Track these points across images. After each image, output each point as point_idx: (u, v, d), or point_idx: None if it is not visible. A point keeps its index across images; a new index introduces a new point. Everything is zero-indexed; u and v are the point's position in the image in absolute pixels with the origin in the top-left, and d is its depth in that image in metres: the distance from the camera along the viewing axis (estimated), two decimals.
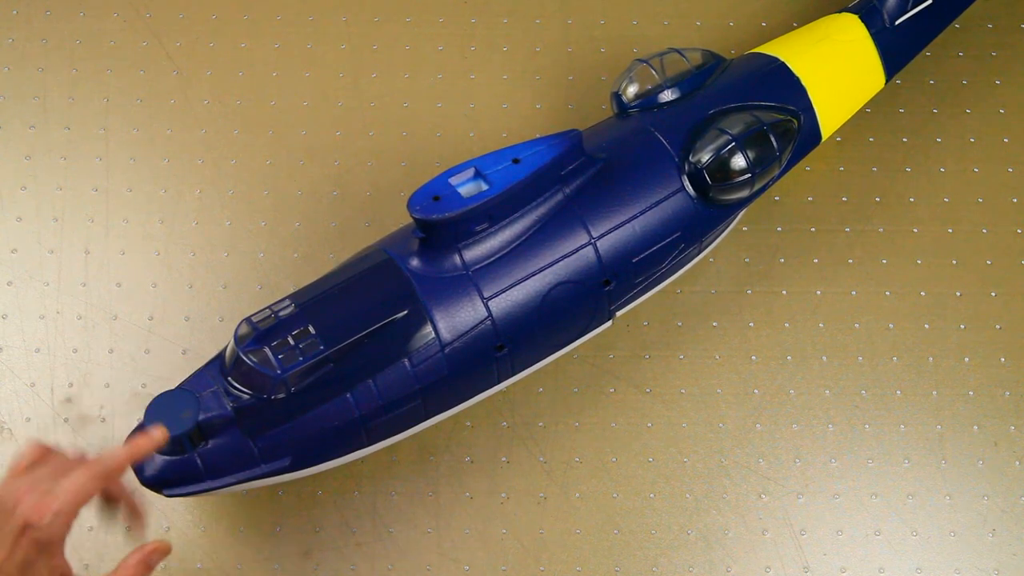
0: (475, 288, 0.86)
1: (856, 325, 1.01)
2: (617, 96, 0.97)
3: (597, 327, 0.94)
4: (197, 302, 1.01)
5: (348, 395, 0.83)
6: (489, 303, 0.86)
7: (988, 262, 1.04)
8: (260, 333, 0.80)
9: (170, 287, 1.02)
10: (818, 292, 1.02)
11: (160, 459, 0.81)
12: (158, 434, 0.78)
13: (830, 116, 1.00)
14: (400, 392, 0.85)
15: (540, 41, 1.12)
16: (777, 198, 1.06)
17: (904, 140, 1.08)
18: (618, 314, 0.94)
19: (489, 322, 0.86)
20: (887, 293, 1.03)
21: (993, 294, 1.03)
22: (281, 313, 0.82)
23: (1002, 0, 1.13)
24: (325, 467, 0.87)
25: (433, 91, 1.10)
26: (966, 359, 1.00)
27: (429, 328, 0.85)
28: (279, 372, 0.79)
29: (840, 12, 1.03)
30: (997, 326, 1.01)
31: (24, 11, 1.12)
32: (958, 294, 1.02)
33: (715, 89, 0.97)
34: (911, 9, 1.02)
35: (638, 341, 1.00)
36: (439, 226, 0.84)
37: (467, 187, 0.85)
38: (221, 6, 1.13)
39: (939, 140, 1.08)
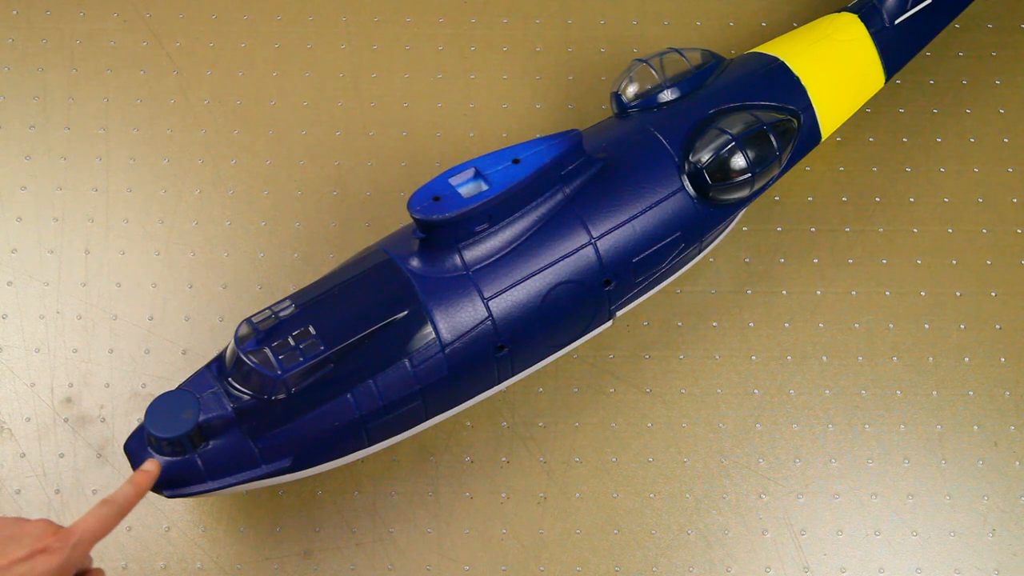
0: (475, 288, 0.86)
1: (856, 325, 1.01)
2: (617, 96, 0.97)
3: (597, 327, 0.94)
4: (197, 302, 1.01)
5: (349, 395, 0.83)
6: (489, 303, 0.86)
7: (988, 262, 1.04)
8: (260, 334, 0.81)
9: (170, 287, 1.02)
10: (818, 292, 1.02)
11: (161, 460, 0.81)
12: (154, 468, 0.79)
13: (830, 116, 1.00)
14: (400, 392, 0.85)
15: (540, 41, 1.12)
16: (777, 198, 1.06)
17: (904, 140, 1.08)
18: (618, 314, 0.94)
19: (489, 322, 0.86)
20: (887, 293, 1.03)
21: (993, 294, 1.03)
22: (281, 314, 0.82)
23: (1002, 0, 1.13)
24: (326, 467, 0.87)
25: (433, 91, 1.10)
26: (966, 359, 1.00)
27: (429, 328, 0.85)
28: (280, 373, 0.79)
29: (840, 12, 1.03)
30: (997, 326, 1.01)
31: (24, 11, 1.12)
32: (958, 294, 1.02)
33: (715, 89, 0.97)
34: (911, 8, 1.02)
35: (638, 341, 1.00)
36: (439, 226, 0.84)
37: (467, 187, 0.85)
38: (221, 6, 1.13)
39: (939, 140, 1.08)
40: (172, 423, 0.80)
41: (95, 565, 0.77)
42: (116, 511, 0.74)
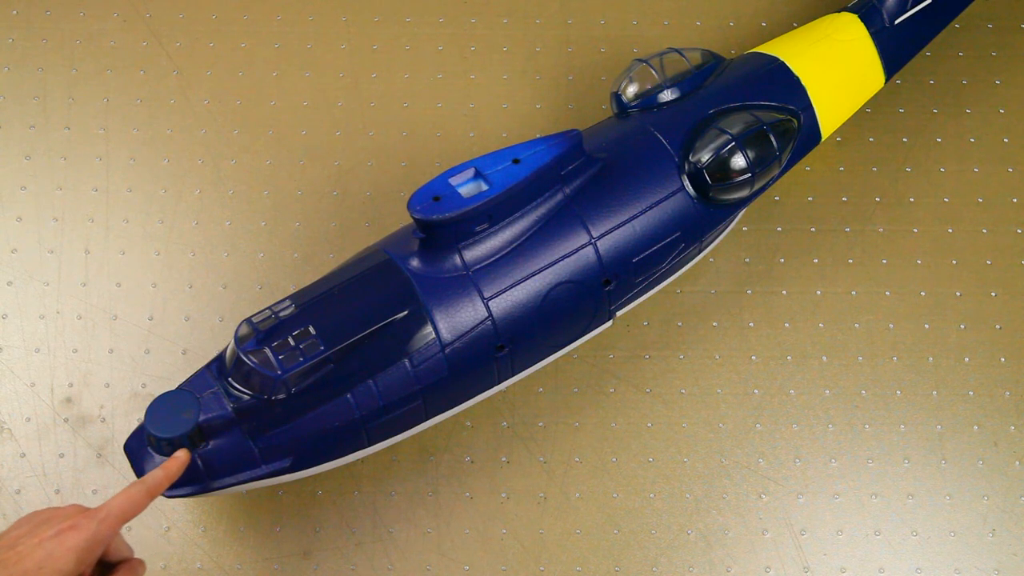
0: (475, 288, 0.86)
1: (856, 325, 1.01)
2: (617, 96, 0.97)
3: (597, 327, 0.94)
4: (197, 302, 1.01)
5: (348, 395, 0.83)
6: (489, 303, 0.86)
7: (988, 262, 1.04)
8: (260, 334, 0.81)
9: (170, 287, 1.02)
10: (818, 292, 1.02)
11: (160, 460, 0.81)
12: (184, 456, 0.80)
13: (830, 116, 1.00)
14: (400, 392, 0.85)
15: (540, 41, 1.12)
16: (777, 198, 1.06)
17: (904, 140, 1.08)
18: (618, 314, 0.94)
19: (489, 322, 0.86)
20: (887, 293, 1.03)
21: (993, 294, 1.03)
22: (281, 314, 0.82)
23: (1002, 0, 1.13)
24: (326, 467, 0.87)
25: (433, 91, 1.10)
26: (966, 359, 1.00)
27: (429, 328, 0.85)
28: (280, 373, 0.79)
29: (840, 12, 1.03)
30: (997, 326, 1.01)
31: (24, 11, 1.12)
32: (958, 294, 1.02)
33: (715, 89, 0.97)
34: (911, 8, 1.02)
35: (638, 341, 1.00)
36: (439, 226, 0.84)
37: (467, 187, 0.85)
38: (221, 6, 1.13)
39: (939, 140, 1.08)
40: (172, 423, 0.80)
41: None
42: (145, 491, 0.76)
